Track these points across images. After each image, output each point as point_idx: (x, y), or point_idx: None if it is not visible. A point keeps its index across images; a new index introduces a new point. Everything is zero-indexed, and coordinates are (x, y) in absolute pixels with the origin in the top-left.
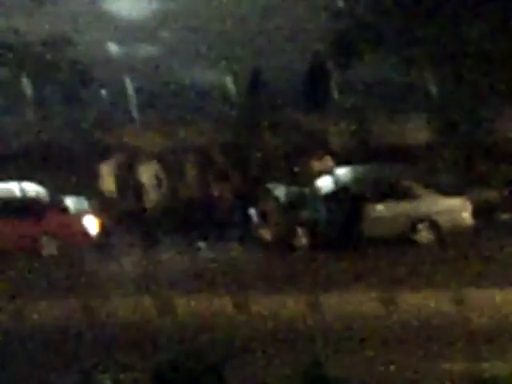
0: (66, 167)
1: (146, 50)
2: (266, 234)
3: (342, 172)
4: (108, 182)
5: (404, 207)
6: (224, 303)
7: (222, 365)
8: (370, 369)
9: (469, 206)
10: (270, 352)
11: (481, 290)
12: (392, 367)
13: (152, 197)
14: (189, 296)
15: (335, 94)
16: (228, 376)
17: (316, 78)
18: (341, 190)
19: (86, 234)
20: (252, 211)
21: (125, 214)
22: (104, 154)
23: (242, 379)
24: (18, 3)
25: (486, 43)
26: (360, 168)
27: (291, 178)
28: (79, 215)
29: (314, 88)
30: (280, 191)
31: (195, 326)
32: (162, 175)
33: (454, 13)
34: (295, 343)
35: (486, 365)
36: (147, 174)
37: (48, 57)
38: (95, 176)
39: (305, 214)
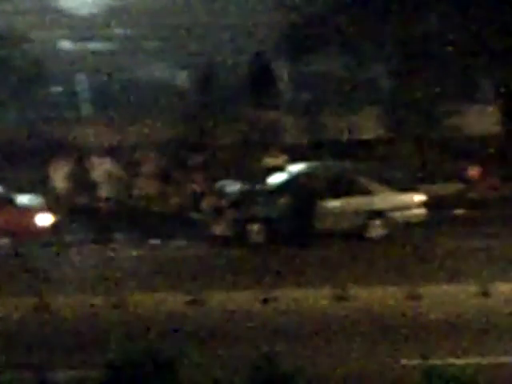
0: (18, 164)
1: (99, 46)
2: (219, 231)
3: (295, 168)
4: (60, 178)
5: (357, 203)
6: (178, 300)
7: (174, 362)
8: (318, 365)
9: (422, 202)
10: (223, 348)
11: (434, 285)
12: (342, 363)
13: (104, 193)
14: (142, 293)
15: (286, 90)
16: (180, 373)
17: (265, 75)
18: (294, 186)
19: (37, 230)
20: (205, 208)
21: (77, 210)
22: (56, 150)
23: (194, 376)
24: None
25: (438, 39)
26: (313, 164)
27: (244, 175)
28: (31, 211)
29: (263, 84)
30: (233, 188)
31: (148, 323)
32: (115, 171)
33: (405, 9)
34: (248, 339)
35: (439, 361)
36: (99, 170)
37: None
38: (48, 173)
39: (257, 210)
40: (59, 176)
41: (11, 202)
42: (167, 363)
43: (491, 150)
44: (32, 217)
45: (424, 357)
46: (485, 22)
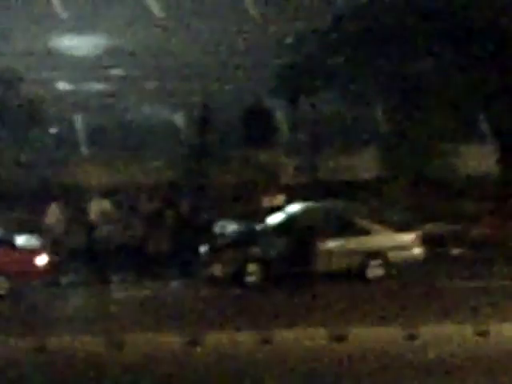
0: (16, 205)
1: (96, 87)
2: (217, 271)
3: (294, 208)
4: (58, 219)
5: (355, 243)
6: (176, 341)
7: None
8: None
9: (420, 241)
10: None
11: (432, 324)
12: None
13: (102, 234)
14: (141, 334)
15: (284, 130)
16: None
17: (262, 115)
18: (292, 226)
19: (37, 271)
20: (203, 248)
21: (75, 251)
22: (54, 191)
23: None
24: None
25: (438, 79)
26: (311, 204)
27: (242, 215)
28: (30, 253)
29: (261, 124)
30: (231, 228)
31: (144, 363)
32: (112, 212)
33: (404, 48)
34: (246, 378)
35: None
36: (97, 211)
37: None
38: (45, 214)
39: (256, 251)
40: (57, 217)
41: (9, 243)
42: None
43: (490, 189)
44: (30, 258)
45: None
46: (481, 61)
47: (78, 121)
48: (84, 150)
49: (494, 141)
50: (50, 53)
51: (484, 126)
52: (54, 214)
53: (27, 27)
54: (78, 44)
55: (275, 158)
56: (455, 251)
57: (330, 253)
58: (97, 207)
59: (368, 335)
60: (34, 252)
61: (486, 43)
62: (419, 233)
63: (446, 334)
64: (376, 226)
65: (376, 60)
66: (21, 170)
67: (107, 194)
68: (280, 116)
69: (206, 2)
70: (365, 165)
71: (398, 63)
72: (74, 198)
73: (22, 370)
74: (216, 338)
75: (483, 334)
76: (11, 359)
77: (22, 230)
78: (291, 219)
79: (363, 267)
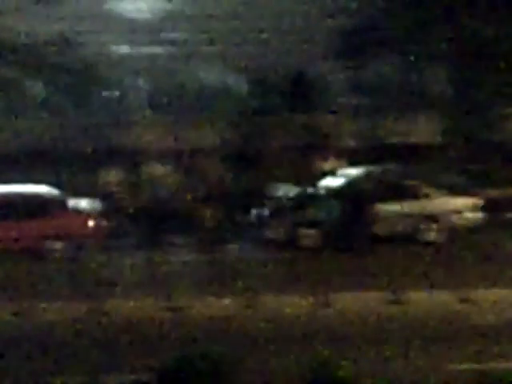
0: (73, 168)
1: (155, 50)
2: (273, 235)
3: (351, 172)
4: (115, 182)
5: (412, 207)
6: (236, 304)
7: (227, 366)
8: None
9: (478, 206)
10: (278, 352)
11: (488, 289)
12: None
13: (157, 197)
14: (197, 298)
15: (342, 94)
16: (233, 377)
17: (319, 79)
18: (349, 190)
19: (92, 234)
20: (259, 212)
21: (130, 214)
22: (110, 155)
23: (247, 380)
24: (23, 4)
25: (493, 44)
26: (367, 168)
27: (298, 178)
28: (86, 215)
29: (318, 88)
30: (287, 191)
31: (204, 327)
32: (169, 175)
33: (466, 13)
34: (303, 342)
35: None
36: (153, 174)
37: (54, 58)
38: (101, 177)
39: (312, 214)
40: (114, 180)
41: (66, 205)
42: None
43: None
44: (87, 221)
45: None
46: None
47: (137, 84)
48: (142, 113)
49: None
50: (110, 16)
51: None
52: (109, 177)
53: None
54: (137, 7)
55: (332, 122)
56: None
57: (386, 216)
58: (154, 171)
59: (423, 299)
60: (89, 215)
61: None
62: (477, 198)
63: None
64: (433, 191)
65: (437, 23)
66: (80, 133)
67: (165, 157)
68: (338, 80)
69: None
70: (423, 129)
71: (459, 27)
72: (131, 162)
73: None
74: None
75: None
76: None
77: (77, 193)
78: (348, 183)
79: (419, 231)
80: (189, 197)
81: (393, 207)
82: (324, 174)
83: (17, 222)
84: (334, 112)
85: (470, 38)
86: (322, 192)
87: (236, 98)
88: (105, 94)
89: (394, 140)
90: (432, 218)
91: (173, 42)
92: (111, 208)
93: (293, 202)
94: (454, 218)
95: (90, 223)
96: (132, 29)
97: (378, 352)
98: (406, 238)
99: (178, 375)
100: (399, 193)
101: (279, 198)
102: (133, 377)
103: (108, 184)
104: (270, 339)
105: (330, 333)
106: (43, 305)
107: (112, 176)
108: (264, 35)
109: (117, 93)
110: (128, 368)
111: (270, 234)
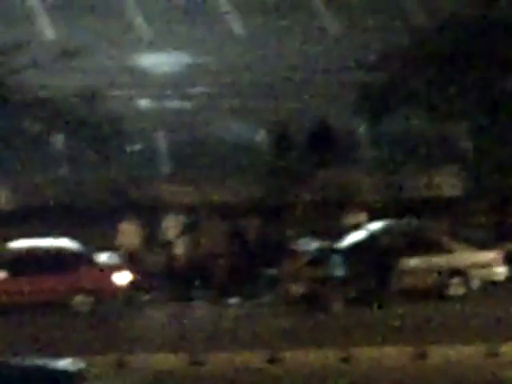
0: (97, 222)
1: (177, 104)
2: (296, 291)
3: (375, 226)
4: (135, 236)
5: (436, 261)
6: (257, 359)
7: None
8: None
9: (502, 260)
10: None
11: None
12: None
13: (179, 252)
14: (220, 352)
15: (365, 148)
16: None
17: (342, 133)
18: (373, 245)
19: (117, 288)
20: (281, 267)
21: (153, 269)
22: (133, 208)
23: None
24: (49, 58)
25: None
26: (392, 222)
27: (322, 233)
28: (111, 270)
29: (340, 143)
30: (311, 246)
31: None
32: (191, 230)
33: (484, 66)
34: None
35: None
36: (175, 229)
37: (79, 112)
38: (123, 231)
39: (335, 269)
40: (135, 234)
41: (90, 259)
42: None
43: None
44: (111, 275)
45: None
46: None
47: (158, 139)
48: (163, 167)
49: None
50: (131, 70)
51: None
52: (131, 231)
53: (109, 45)
54: (159, 61)
55: (356, 176)
56: None
57: (411, 271)
58: (175, 225)
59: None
60: (114, 269)
61: None
62: (501, 251)
63: None
64: (457, 244)
65: (461, 78)
66: (102, 187)
67: (186, 211)
68: (361, 133)
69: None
70: (446, 182)
71: (483, 81)
72: (152, 216)
73: None
74: None
75: None
76: None
77: (102, 247)
78: (372, 237)
79: (444, 285)
80: (211, 251)
81: (417, 261)
82: (350, 229)
83: (44, 276)
84: (358, 166)
85: (495, 93)
86: (348, 246)
87: (259, 152)
88: (128, 147)
89: (420, 193)
90: (457, 271)
91: (196, 96)
92: (134, 262)
93: (317, 257)
94: (479, 272)
95: (115, 277)
96: (156, 82)
97: None
98: (431, 293)
99: None
100: (424, 247)
101: (301, 253)
102: None
103: (127, 238)
104: None
105: None
106: None
107: (131, 229)
108: (288, 88)
109: (140, 147)
110: None
111: (293, 290)
